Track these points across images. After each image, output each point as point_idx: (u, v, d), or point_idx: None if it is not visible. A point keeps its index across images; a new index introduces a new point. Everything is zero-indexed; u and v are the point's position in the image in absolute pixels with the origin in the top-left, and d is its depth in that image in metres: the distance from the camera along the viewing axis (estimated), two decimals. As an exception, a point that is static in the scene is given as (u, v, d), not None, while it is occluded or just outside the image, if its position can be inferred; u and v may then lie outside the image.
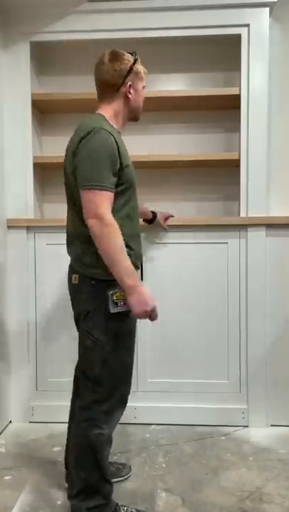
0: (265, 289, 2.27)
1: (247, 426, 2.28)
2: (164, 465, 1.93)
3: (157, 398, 2.35)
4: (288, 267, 2.27)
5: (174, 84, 2.50)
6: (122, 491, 1.74)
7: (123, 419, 1.69)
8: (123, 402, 1.57)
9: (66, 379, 2.19)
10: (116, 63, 1.46)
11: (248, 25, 2.21)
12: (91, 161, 1.35)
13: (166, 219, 2.23)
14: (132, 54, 1.50)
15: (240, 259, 2.35)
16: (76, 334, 1.57)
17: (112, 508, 1.52)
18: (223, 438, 2.18)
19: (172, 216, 2.28)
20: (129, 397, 1.63)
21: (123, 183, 1.43)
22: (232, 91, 2.30)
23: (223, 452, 2.04)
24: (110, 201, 1.37)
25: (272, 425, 2.29)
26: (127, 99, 1.50)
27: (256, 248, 2.26)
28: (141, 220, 1.77)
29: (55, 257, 2.30)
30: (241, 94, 2.25)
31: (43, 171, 2.57)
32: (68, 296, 1.59)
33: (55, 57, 2.55)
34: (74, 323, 1.62)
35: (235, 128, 2.42)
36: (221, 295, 2.39)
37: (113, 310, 1.40)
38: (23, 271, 2.33)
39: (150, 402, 2.34)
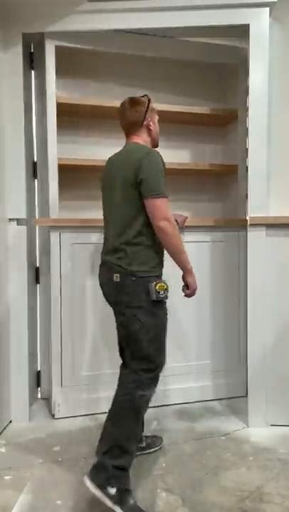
0: (265, 289, 2.27)
1: (247, 426, 2.29)
2: (164, 465, 1.93)
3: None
4: (288, 267, 2.27)
5: (172, 101, 2.74)
6: (122, 490, 1.74)
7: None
8: (161, 372, 1.82)
9: (92, 373, 2.45)
10: (136, 107, 1.88)
11: (248, 25, 2.20)
12: (155, 175, 1.72)
13: (183, 221, 2.41)
14: (144, 97, 1.92)
15: (240, 259, 2.36)
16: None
17: (129, 477, 1.62)
18: (223, 438, 2.18)
19: (187, 218, 2.41)
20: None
21: None
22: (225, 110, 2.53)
23: (223, 452, 2.04)
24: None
25: (272, 425, 2.29)
26: (149, 130, 1.92)
27: (256, 248, 2.26)
28: None
29: (79, 255, 2.42)
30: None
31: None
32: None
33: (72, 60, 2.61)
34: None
35: (229, 140, 2.57)
36: (220, 295, 2.39)
37: (156, 298, 1.72)
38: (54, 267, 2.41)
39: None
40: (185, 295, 1.85)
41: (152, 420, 2.36)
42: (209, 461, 1.96)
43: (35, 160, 2.61)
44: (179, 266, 1.79)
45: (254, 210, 2.25)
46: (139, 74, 2.77)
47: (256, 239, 2.26)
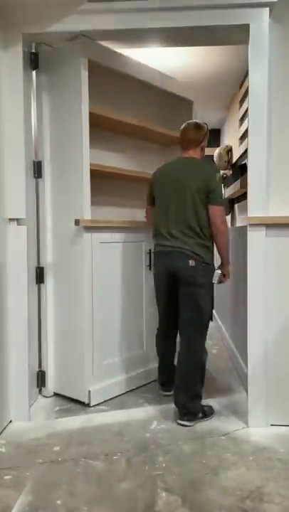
0: (265, 289, 2.27)
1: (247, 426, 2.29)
2: (164, 465, 1.93)
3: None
4: (288, 267, 2.27)
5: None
6: (121, 490, 1.74)
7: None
8: None
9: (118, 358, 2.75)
10: (200, 131, 2.48)
11: (248, 25, 2.20)
12: (220, 188, 2.37)
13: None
14: (205, 124, 2.53)
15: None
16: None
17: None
18: (223, 437, 2.18)
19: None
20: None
21: None
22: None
23: (223, 452, 2.04)
24: None
25: (272, 425, 2.29)
26: (202, 149, 2.52)
27: (256, 248, 2.26)
28: None
29: (106, 252, 2.66)
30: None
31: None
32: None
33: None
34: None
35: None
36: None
37: (215, 282, 2.42)
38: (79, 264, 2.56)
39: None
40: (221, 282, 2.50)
41: (152, 420, 2.37)
42: (209, 461, 1.96)
43: (38, 160, 2.61)
44: (223, 259, 2.42)
45: (254, 210, 2.25)
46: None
47: (256, 239, 2.26)
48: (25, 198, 2.34)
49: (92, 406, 2.54)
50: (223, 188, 2.56)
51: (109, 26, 2.27)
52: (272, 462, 1.95)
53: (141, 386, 2.86)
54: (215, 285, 2.50)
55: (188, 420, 2.31)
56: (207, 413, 2.40)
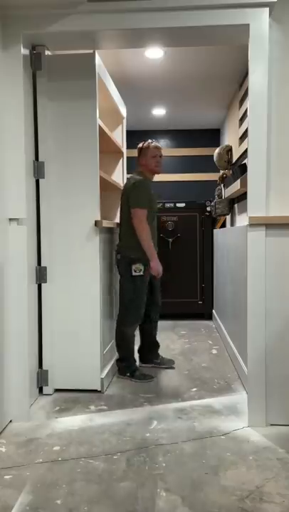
0: (265, 289, 2.27)
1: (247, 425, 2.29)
2: (163, 464, 1.93)
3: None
4: (288, 267, 2.27)
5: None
6: (121, 490, 1.74)
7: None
8: None
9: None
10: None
11: (248, 25, 2.20)
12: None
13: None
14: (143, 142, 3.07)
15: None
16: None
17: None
18: (223, 437, 2.18)
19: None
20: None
21: None
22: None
23: (223, 451, 2.04)
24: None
25: (272, 424, 2.29)
26: (140, 165, 3.11)
27: (256, 248, 2.26)
28: None
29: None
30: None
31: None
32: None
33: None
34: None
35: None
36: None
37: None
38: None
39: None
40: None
41: (152, 420, 2.37)
42: (209, 461, 1.96)
43: (40, 160, 2.62)
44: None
45: (254, 210, 2.25)
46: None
47: (256, 239, 2.26)
48: (25, 198, 2.34)
49: (103, 392, 2.75)
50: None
51: (109, 26, 2.27)
52: (272, 462, 1.95)
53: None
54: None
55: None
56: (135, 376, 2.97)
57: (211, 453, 2.03)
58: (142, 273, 2.86)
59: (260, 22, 2.20)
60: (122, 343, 3.04)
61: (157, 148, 3.06)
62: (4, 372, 2.30)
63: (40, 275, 2.66)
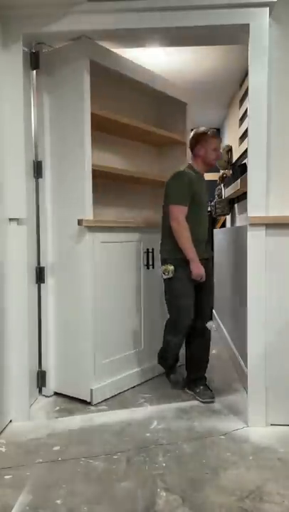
0: (265, 289, 2.27)
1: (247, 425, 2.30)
2: (163, 464, 1.93)
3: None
4: (288, 267, 2.27)
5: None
6: (121, 490, 1.74)
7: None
8: None
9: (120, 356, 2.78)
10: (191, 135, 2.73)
11: (248, 25, 2.20)
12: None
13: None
14: (201, 128, 2.67)
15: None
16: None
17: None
18: (222, 437, 2.18)
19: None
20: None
21: None
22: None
23: (223, 451, 2.04)
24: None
25: (272, 424, 2.29)
26: (196, 156, 2.68)
27: (256, 248, 2.26)
28: None
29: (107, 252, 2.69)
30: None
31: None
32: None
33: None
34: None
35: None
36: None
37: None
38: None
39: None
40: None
41: (152, 420, 2.37)
42: (209, 461, 1.96)
43: (38, 160, 2.61)
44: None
45: (254, 210, 2.25)
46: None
47: (256, 239, 2.26)
48: (25, 198, 2.34)
49: (94, 405, 2.54)
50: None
51: (109, 26, 2.27)
52: (272, 462, 1.95)
53: (139, 384, 2.88)
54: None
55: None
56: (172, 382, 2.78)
57: (211, 453, 2.03)
58: (170, 275, 2.52)
59: (260, 22, 2.20)
60: (165, 354, 2.70)
61: (219, 138, 2.70)
62: (4, 373, 2.30)
63: (40, 275, 2.66)
